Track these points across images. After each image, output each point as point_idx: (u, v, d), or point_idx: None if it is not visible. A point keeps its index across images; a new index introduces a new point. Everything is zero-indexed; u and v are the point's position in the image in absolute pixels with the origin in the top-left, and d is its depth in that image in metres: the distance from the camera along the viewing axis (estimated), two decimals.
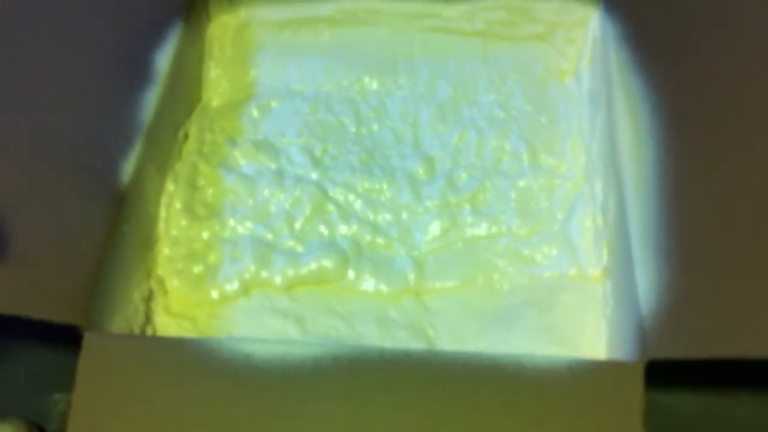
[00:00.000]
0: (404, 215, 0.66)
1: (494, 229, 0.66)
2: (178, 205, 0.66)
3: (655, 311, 0.52)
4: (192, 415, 0.50)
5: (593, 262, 0.63)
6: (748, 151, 0.59)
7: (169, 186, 0.66)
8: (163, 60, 0.66)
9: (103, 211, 0.57)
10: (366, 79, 0.75)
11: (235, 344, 0.52)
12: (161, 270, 0.64)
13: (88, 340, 0.52)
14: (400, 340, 0.60)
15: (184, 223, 0.65)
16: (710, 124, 0.61)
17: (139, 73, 0.65)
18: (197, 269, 0.64)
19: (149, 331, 0.60)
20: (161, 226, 0.65)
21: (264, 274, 0.63)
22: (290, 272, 0.63)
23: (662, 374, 0.57)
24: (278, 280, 0.63)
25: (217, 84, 0.75)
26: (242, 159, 0.69)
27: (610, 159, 0.62)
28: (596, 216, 0.64)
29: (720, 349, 0.50)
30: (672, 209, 0.56)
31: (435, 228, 0.66)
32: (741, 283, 0.53)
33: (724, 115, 0.61)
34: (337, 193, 0.67)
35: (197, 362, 0.51)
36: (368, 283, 0.63)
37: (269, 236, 0.65)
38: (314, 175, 0.68)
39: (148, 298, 0.62)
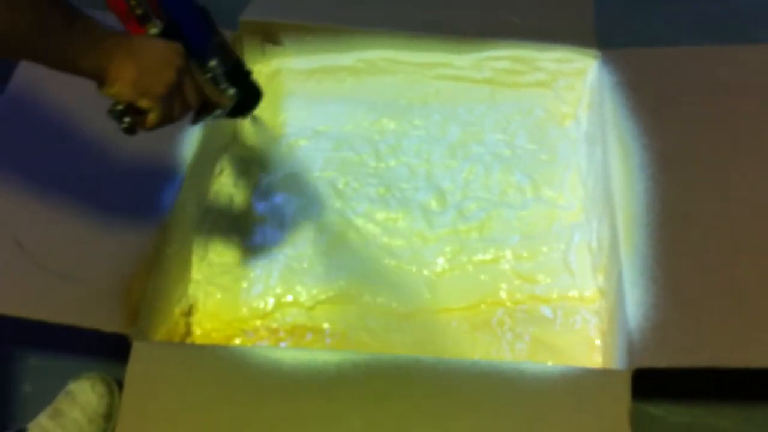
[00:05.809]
0: (418, 241, 0.73)
1: (500, 254, 0.72)
2: (214, 231, 0.73)
3: (642, 327, 0.58)
4: (227, 413, 0.56)
5: (589, 284, 0.69)
6: (726, 186, 0.66)
7: (207, 214, 0.73)
8: None
9: (150, 237, 0.64)
10: (384, 121, 0.82)
11: (265, 351, 0.59)
12: (198, 289, 0.70)
13: (136, 348, 0.59)
14: (415, 351, 0.65)
15: (219, 247, 0.72)
16: (693, 162, 0.68)
17: None
18: (230, 288, 0.70)
19: (188, 342, 0.67)
20: (199, 250, 0.72)
21: (291, 293, 0.69)
22: (315, 291, 0.69)
23: (653, 386, 0.63)
24: (304, 298, 0.69)
25: (250, 125, 0.82)
26: (273, 190, 0.76)
27: (604, 192, 0.69)
28: (592, 242, 0.70)
29: (698, 359, 0.56)
30: (658, 237, 0.63)
31: (446, 253, 0.72)
32: (718, 303, 0.59)
33: (704, 155, 0.68)
34: (358, 221, 0.74)
35: (232, 367, 0.58)
36: (386, 301, 0.69)
37: (296, 259, 0.71)
38: (337, 205, 0.75)
39: (188, 314, 0.68)
